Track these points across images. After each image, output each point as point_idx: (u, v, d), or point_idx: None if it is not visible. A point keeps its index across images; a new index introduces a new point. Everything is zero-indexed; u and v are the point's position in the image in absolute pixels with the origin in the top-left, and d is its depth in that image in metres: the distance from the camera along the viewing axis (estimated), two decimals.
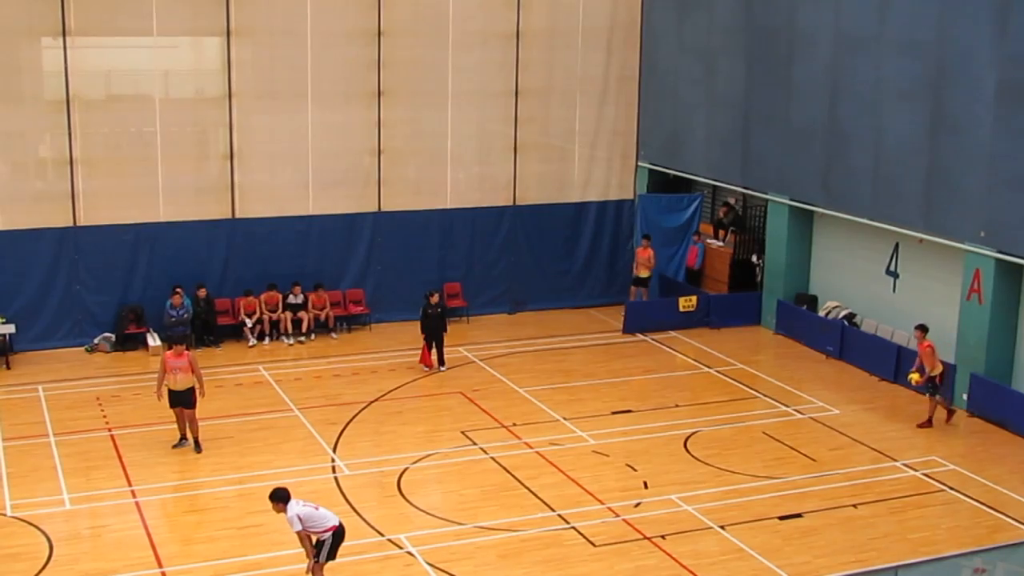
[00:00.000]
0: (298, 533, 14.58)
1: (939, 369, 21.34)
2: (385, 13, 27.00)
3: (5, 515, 17.47)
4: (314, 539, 14.70)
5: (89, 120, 25.63)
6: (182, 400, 19.78)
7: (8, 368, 24.39)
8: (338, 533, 14.81)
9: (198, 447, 19.87)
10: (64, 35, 25.02)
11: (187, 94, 27.01)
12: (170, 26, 26.04)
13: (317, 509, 14.77)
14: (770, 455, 20.09)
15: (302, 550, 14.88)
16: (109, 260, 25.92)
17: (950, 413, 21.66)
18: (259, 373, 24.31)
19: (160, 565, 15.96)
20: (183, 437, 20.04)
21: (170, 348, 20.02)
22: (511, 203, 28.96)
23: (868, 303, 25.53)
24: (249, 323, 26.22)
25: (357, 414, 21.85)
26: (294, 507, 14.54)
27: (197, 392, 19.78)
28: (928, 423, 21.48)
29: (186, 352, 19.83)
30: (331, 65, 26.97)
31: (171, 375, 19.70)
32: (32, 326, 25.27)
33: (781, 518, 17.62)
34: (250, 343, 26.15)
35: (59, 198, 25.56)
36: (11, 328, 24.75)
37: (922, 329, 21.51)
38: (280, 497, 14.61)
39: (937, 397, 21.45)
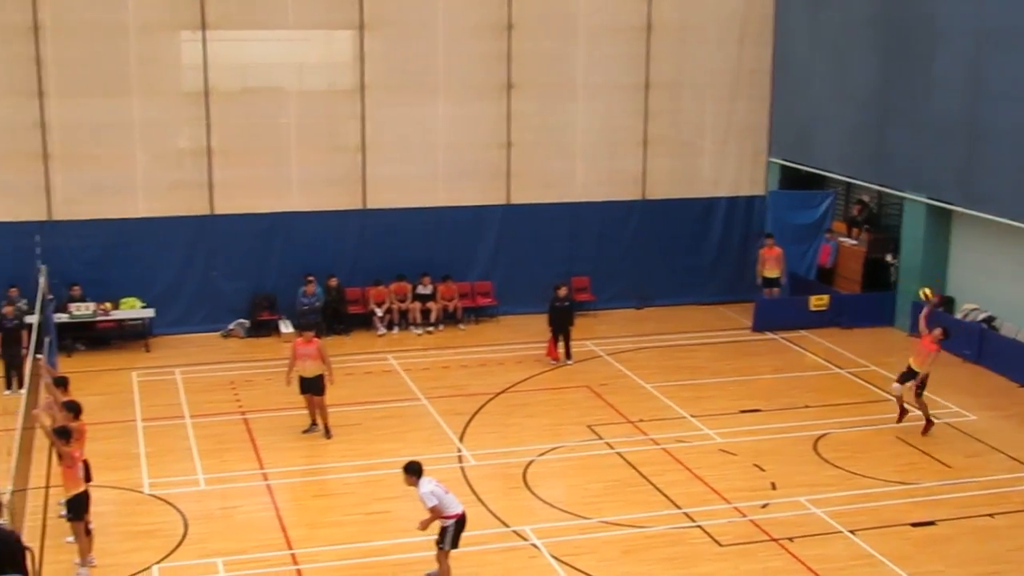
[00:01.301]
0: (432, 508, 14.67)
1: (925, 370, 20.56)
2: (515, 6, 27.05)
3: (143, 493, 17.97)
4: (438, 526, 14.83)
5: (225, 112, 26.19)
6: (312, 387, 20.09)
7: (147, 351, 25.12)
8: (461, 521, 14.91)
9: (328, 433, 20.16)
10: (203, 29, 25.63)
11: (320, 86, 27.39)
12: (304, 20, 26.49)
13: (447, 493, 14.90)
14: (903, 460, 19.63)
15: (427, 538, 15.03)
16: (243, 248, 26.49)
17: (928, 424, 20.76)
18: (388, 362, 24.59)
19: (289, 547, 16.23)
20: (313, 423, 20.35)
21: (300, 335, 20.40)
22: (640, 197, 28.81)
23: (1009, 307, 24.77)
24: (379, 312, 26.55)
25: (484, 405, 21.96)
26: (427, 483, 14.69)
27: (326, 379, 20.07)
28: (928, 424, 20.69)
29: (315, 339, 20.14)
30: (461, 58, 27.13)
31: (301, 362, 20.03)
32: (170, 311, 25.97)
33: (913, 525, 17.19)
34: (379, 332, 26.48)
35: (196, 187, 26.19)
36: (151, 312, 25.51)
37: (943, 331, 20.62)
38: (414, 470, 14.77)
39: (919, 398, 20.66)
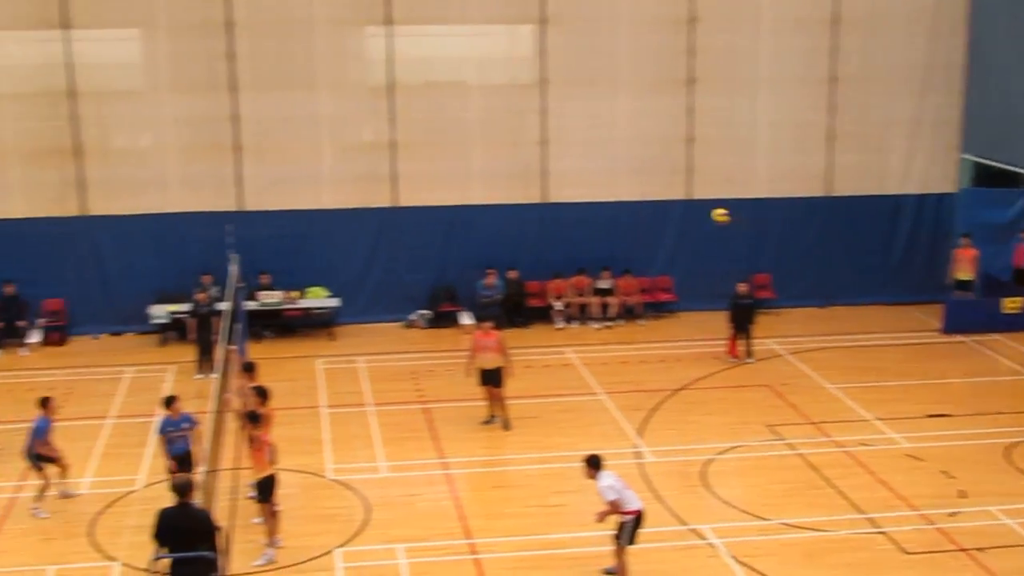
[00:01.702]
0: (612, 502, 14.63)
1: None
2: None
3: (325, 477, 18.38)
4: (615, 521, 14.77)
5: (409, 106, 26.59)
6: (491, 378, 20.24)
7: (332, 339, 25.72)
8: (639, 517, 14.82)
9: (507, 425, 20.29)
10: (388, 24, 26.05)
11: (501, 80, 27.55)
12: (487, 14, 26.70)
13: (626, 488, 14.85)
14: None
15: (603, 532, 14.99)
16: (425, 240, 26.88)
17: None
18: (566, 356, 24.62)
19: (468, 536, 16.38)
20: (493, 415, 20.50)
21: (479, 327, 20.58)
22: (824, 194, 28.19)
23: None
24: (558, 306, 26.61)
25: (662, 402, 21.80)
26: (607, 477, 14.68)
27: (505, 371, 20.19)
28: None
29: (494, 331, 20.27)
30: (642, 52, 26.97)
31: (481, 354, 20.20)
32: (355, 300, 26.52)
33: None
34: (558, 326, 26.55)
35: (380, 179, 26.67)
36: (336, 302, 26.09)
37: None
38: (594, 463, 14.80)
39: None
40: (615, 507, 14.74)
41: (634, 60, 26.95)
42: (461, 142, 26.93)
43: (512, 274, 26.49)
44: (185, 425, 17.16)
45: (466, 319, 26.27)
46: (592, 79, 27.02)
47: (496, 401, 20.41)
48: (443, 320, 26.68)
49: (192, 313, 23.63)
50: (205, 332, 23.11)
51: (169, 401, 17.22)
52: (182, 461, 16.79)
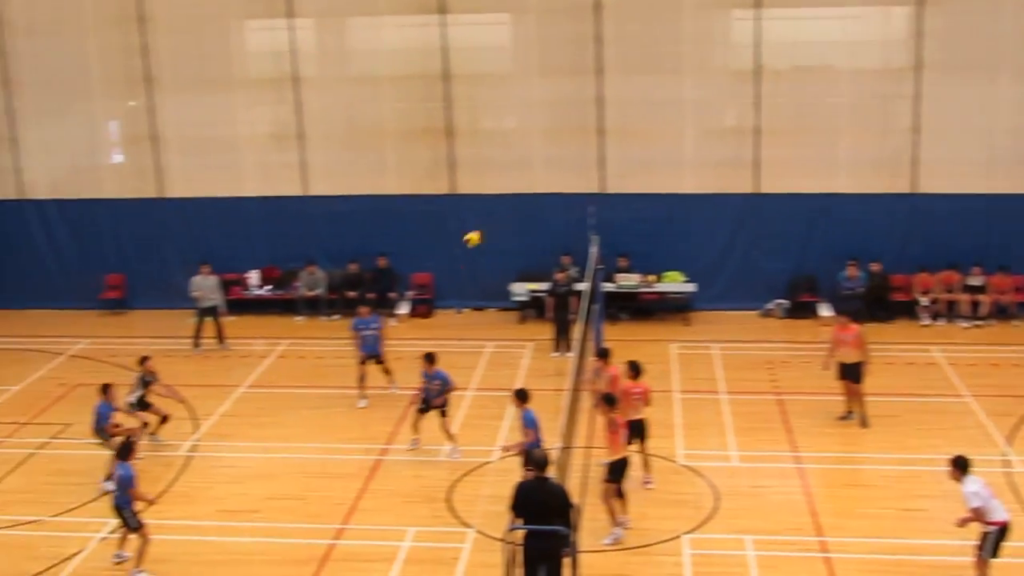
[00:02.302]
0: (976, 509, 13.95)
1: None
2: None
3: (675, 463, 18.40)
4: (978, 530, 14.05)
5: (774, 90, 26.11)
6: (850, 373, 19.65)
7: (687, 325, 25.71)
8: (1004, 529, 14.03)
9: (864, 422, 19.66)
10: (756, 7, 25.68)
11: (873, 65, 26.52)
12: None
13: (992, 497, 14.12)
14: None
15: (966, 541, 14.32)
16: (786, 228, 26.37)
17: None
18: (930, 354, 23.57)
19: (819, 533, 16.00)
20: (849, 411, 19.91)
21: (837, 320, 20.03)
22: None
23: None
24: (924, 301, 25.51)
25: None
26: (974, 483, 14.02)
27: (864, 367, 19.55)
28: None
29: (852, 325, 19.65)
30: None
31: (840, 348, 19.65)
32: (711, 286, 26.38)
33: None
34: (923, 322, 25.47)
35: (742, 165, 26.37)
36: (692, 287, 26.05)
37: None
38: (962, 465, 14.16)
39: None
40: (978, 515, 14.01)
41: (1019, 44, 25.34)
42: (827, 129, 26.20)
43: (875, 267, 25.58)
44: (374, 325, 20.98)
45: (825, 311, 25.61)
46: (971, 63, 25.56)
47: (853, 397, 19.80)
48: (801, 310, 26.10)
49: (551, 292, 24.19)
50: (562, 311, 23.61)
51: (362, 304, 21.84)
52: (373, 358, 20.90)
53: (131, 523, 15.27)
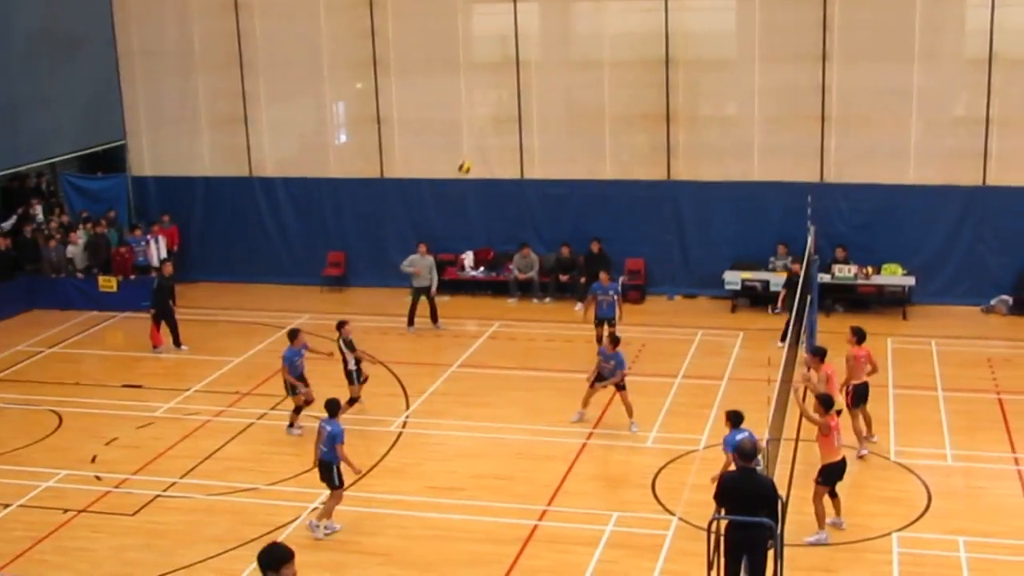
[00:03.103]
0: None
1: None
2: None
3: (888, 459, 17.99)
4: None
5: (1008, 79, 25.15)
6: None
7: (904, 319, 25.03)
8: None
9: None
10: None
11: None
12: None
13: None
14: None
15: None
16: (1015, 223, 25.37)
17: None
18: None
19: None
20: None
21: None
22: None
23: None
24: None
25: None
26: None
27: None
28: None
29: None
30: None
31: None
32: (932, 280, 25.64)
33: None
34: None
35: (970, 156, 25.48)
36: (911, 280, 25.34)
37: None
38: None
39: None
40: None
41: None
42: None
43: None
44: (612, 290, 22.41)
45: None
46: None
47: None
48: None
49: (786, 284, 23.72)
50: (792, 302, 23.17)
51: (603, 272, 23.07)
52: (608, 322, 22.07)
53: (334, 481, 15.86)
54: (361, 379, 20.26)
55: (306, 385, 19.39)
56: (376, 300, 27.47)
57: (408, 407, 20.60)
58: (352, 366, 20.10)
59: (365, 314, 26.17)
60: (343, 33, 28.27)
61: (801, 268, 23.19)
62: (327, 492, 16.04)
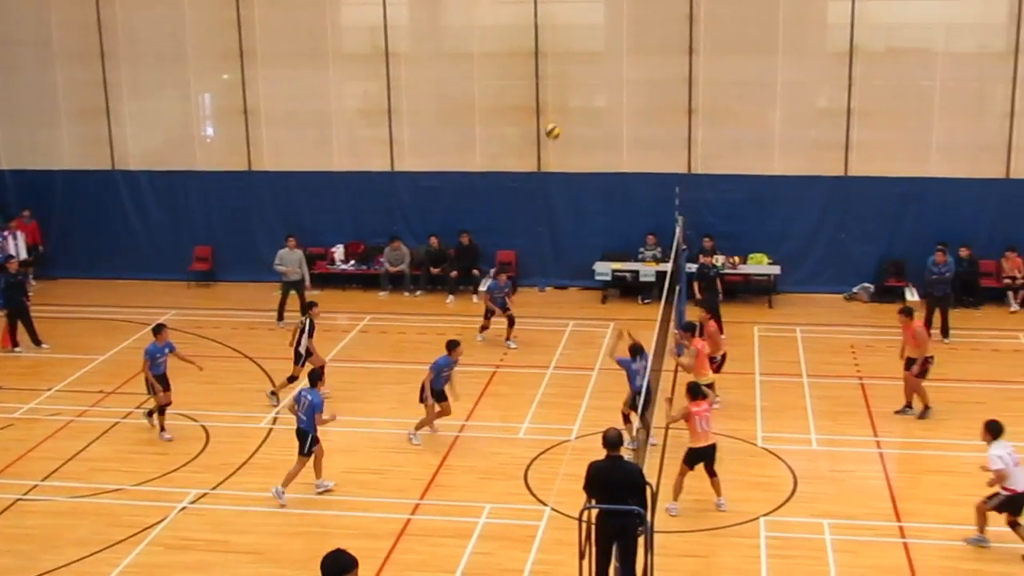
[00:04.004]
0: (998, 472, 14.53)
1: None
2: None
3: (756, 445, 18.30)
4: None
5: (869, 72, 25.81)
6: (909, 366, 19.23)
7: (770, 307, 25.53)
8: (1016, 498, 14.65)
9: (923, 414, 19.21)
10: None
11: (970, 49, 26.09)
12: None
13: (1017, 466, 14.63)
14: None
15: None
16: (876, 212, 26.08)
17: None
18: (1019, 340, 23.20)
19: (898, 519, 15.83)
20: (908, 404, 19.51)
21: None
22: None
23: None
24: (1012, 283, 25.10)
25: None
26: (1002, 447, 14.71)
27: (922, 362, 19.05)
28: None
29: (913, 323, 19.14)
30: None
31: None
32: (797, 269, 26.25)
33: None
34: (1011, 308, 25.05)
35: (832, 147, 26.09)
36: (777, 269, 25.85)
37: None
38: (992, 429, 14.90)
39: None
40: (999, 478, 14.60)
41: None
42: (921, 112, 25.87)
43: (964, 251, 25.10)
44: (507, 289, 22.45)
45: (912, 295, 25.28)
46: None
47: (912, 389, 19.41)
48: (888, 295, 25.78)
49: (698, 276, 23.90)
50: (712, 294, 23.47)
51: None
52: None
53: (303, 448, 16.42)
54: (303, 363, 20.01)
55: (164, 388, 18.83)
56: (244, 295, 27.08)
57: (278, 403, 20.32)
58: (302, 348, 19.91)
59: (233, 309, 25.80)
60: (208, 23, 27.77)
61: (713, 261, 23.68)
62: (196, 491, 15.72)
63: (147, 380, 18.77)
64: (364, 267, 27.69)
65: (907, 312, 19.38)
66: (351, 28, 28.26)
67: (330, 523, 15.98)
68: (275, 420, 19.60)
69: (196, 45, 27.91)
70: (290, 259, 24.89)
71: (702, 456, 15.82)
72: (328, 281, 27.28)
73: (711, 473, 15.97)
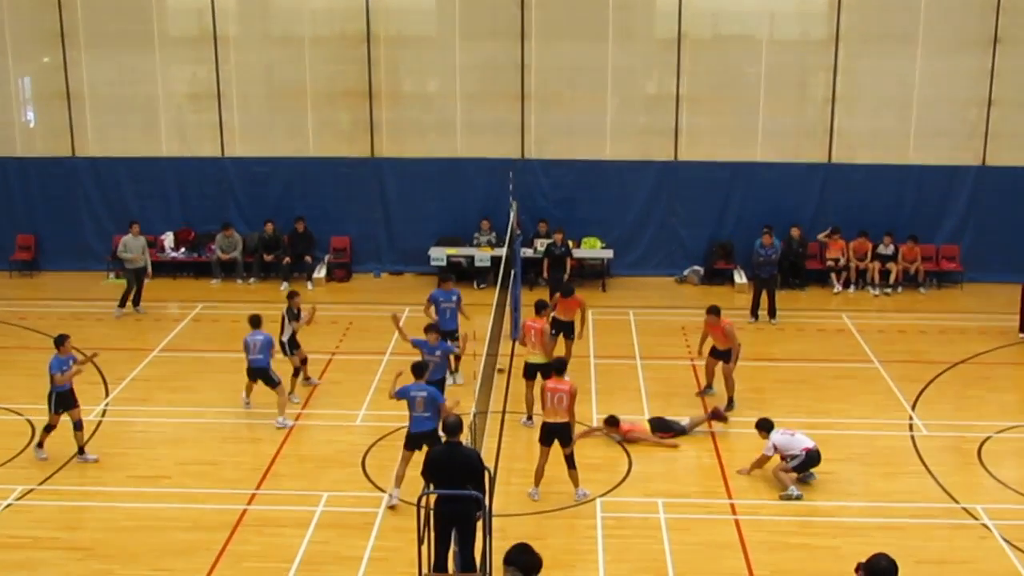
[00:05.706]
0: (763, 457, 16.61)
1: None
2: None
3: (591, 427, 18.53)
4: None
5: (696, 59, 26.33)
6: (720, 356, 19.37)
7: (604, 291, 25.88)
8: (812, 455, 16.33)
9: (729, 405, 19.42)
10: None
11: (792, 36, 26.88)
12: None
13: (793, 434, 16.57)
14: None
15: (874, 503, 14.77)
16: (704, 195, 26.64)
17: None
18: (841, 321, 23.99)
19: (729, 496, 16.25)
20: (709, 385, 19.95)
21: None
22: None
23: None
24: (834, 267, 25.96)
25: (940, 374, 20.92)
26: (775, 434, 16.62)
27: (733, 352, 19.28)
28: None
29: (722, 321, 19.13)
30: (946, 8, 25.73)
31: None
32: (628, 253, 26.66)
33: None
34: (835, 290, 25.91)
35: (662, 133, 26.56)
36: (609, 253, 26.22)
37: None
38: (763, 426, 16.84)
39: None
40: (761, 462, 16.70)
41: (936, 16, 25.72)
42: (747, 97, 26.50)
43: (795, 231, 25.79)
44: (454, 298, 19.88)
45: (740, 277, 25.95)
46: (889, 36, 26.07)
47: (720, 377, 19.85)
48: (717, 277, 26.45)
49: (547, 254, 24.23)
50: (558, 271, 23.78)
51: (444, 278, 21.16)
52: (451, 336, 19.30)
53: (274, 380, 18.45)
54: (294, 351, 19.62)
55: (72, 407, 17.16)
56: (70, 284, 26.28)
57: (107, 395, 19.79)
58: (285, 337, 19.45)
59: (58, 299, 25.04)
60: (27, 2, 26.78)
61: (563, 239, 23.83)
62: (22, 487, 15.16)
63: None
64: (195, 255, 27.13)
65: (715, 311, 19.08)
66: (178, 10, 27.55)
67: (163, 516, 15.64)
68: (104, 412, 19.08)
69: (13, 25, 26.88)
70: (134, 246, 24.22)
71: (553, 433, 15.91)
72: (158, 269, 26.45)
73: (568, 462, 16.03)
